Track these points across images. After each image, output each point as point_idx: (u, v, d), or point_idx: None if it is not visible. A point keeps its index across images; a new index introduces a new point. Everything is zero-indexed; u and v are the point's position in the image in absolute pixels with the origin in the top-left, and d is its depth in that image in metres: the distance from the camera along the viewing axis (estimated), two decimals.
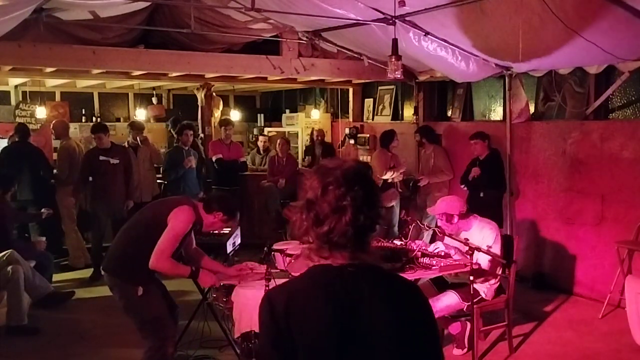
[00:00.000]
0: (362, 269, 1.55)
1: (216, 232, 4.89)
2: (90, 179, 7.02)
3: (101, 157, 6.90)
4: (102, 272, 3.94)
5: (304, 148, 9.97)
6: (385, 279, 1.60)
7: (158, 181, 7.92)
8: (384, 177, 7.52)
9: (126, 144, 7.62)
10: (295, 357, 1.51)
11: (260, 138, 9.54)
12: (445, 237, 4.50)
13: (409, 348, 1.53)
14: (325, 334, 1.50)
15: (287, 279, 1.87)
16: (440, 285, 4.64)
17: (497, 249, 4.43)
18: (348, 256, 1.54)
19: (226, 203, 3.97)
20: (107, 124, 8.18)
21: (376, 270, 1.59)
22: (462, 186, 6.98)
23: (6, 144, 7.73)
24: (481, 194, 6.68)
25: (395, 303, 1.54)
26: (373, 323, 1.50)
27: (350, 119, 9.69)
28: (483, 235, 4.47)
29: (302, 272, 1.61)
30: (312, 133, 9.74)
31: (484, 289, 4.56)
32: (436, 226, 4.86)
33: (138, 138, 7.61)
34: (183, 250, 4.05)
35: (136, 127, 7.74)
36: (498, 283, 4.64)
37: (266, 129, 10.86)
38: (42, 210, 6.59)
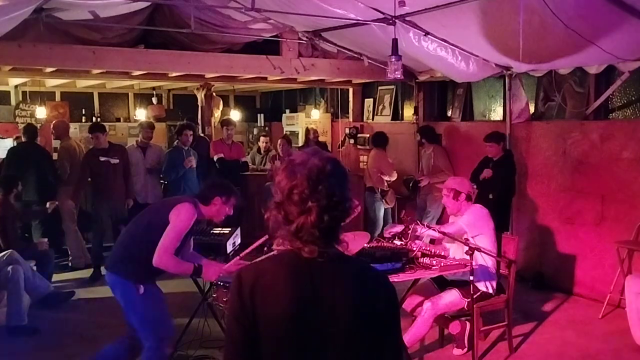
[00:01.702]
0: (330, 260, 1.60)
1: (217, 232, 4.87)
2: (89, 179, 7.01)
3: (102, 158, 6.87)
4: (105, 271, 3.94)
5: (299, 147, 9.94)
6: (352, 269, 1.65)
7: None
8: (393, 177, 7.62)
9: (135, 144, 7.61)
10: (256, 334, 1.58)
11: (262, 139, 9.51)
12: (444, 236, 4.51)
13: (364, 337, 1.58)
14: (286, 317, 1.56)
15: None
16: (441, 283, 4.64)
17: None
18: (317, 250, 1.59)
19: (216, 186, 3.96)
20: (107, 124, 8.19)
21: (344, 260, 1.65)
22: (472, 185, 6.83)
23: (12, 145, 7.73)
24: (490, 196, 6.43)
25: (357, 292, 1.59)
26: (333, 312, 1.56)
27: (350, 119, 9.69)
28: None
29: (274, 255, 1.69)
30: (307, 132, 9.29)
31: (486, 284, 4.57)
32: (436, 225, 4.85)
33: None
34: (181, 255, 4.03)
35: (146, 127, 7.71)
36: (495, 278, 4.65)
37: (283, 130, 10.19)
38: (47, 205, 6.60)
